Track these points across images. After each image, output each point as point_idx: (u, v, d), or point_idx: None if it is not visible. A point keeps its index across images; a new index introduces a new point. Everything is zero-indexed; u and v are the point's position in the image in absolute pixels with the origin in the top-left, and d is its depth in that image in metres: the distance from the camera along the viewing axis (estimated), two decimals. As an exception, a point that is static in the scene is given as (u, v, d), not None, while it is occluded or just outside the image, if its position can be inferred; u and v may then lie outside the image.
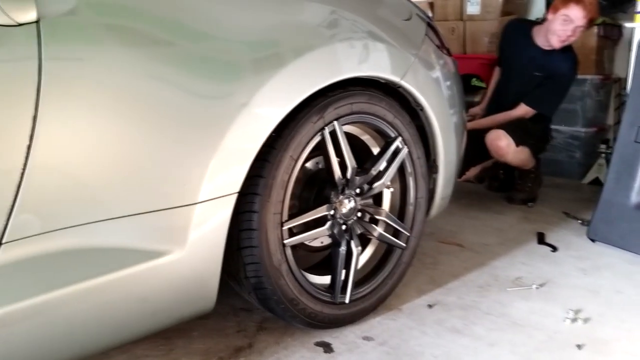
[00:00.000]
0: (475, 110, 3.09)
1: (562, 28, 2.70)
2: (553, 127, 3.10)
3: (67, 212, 1.00)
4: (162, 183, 1.11)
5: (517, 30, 2.96)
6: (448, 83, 1.75)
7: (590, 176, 3.46)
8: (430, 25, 1.76)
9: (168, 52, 1.10)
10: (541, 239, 2.38)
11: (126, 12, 1.06)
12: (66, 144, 0.98)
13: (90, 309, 1.07)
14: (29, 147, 0.93)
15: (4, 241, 0.93)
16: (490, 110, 3.02)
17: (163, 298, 1.17)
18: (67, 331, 1.06)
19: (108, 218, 1.04)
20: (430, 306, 1.75)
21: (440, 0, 3.91)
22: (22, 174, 0.93)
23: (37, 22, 0.93)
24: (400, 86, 1.56)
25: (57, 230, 0.99)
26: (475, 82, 3.49)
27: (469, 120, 2.78)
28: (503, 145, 2.68)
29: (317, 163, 1.57)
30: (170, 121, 1.10)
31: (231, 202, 1.20)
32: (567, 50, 2.81)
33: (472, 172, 2.96)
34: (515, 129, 2.72)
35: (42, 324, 1.01)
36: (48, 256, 0.99)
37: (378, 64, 1.47)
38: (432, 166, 1.75)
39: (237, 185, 1.20)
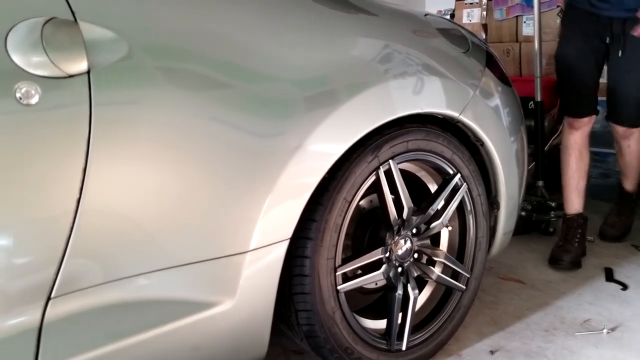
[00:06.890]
0: None
1: None
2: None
3: (120, 264, 0.97)
4: (215, 230, 1.08)
5: None
6: (507, 110, 1.65)
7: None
8: (489, 55, 1.68)
9: (221, 94, 1.07)
10: (609, 276, 2.21)
11: (179, 55, 1.03)
12: (116, 193, 0.96)
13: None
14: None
15: (52, 295, 0.91)
16: None
17: (214, 347, 1.14)
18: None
19: (159, 269, 1.01)
20: (492, 352, 1.64)
21: (495, 22, 3.80)
22: (72, 226, 0.91)
23: (87, 72, 0.91)
24: (459, 121, 1.48)
25: (108, 282, 0.96)
26: (532, 105, 3.33)
27: None
28: None
29: (370, 201, 1.51)
30: (224, 167, 1.07)
31: (283, 248, 1.15)
32: None
33: None
34: None
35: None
36: (102, 309, 0.97)
37: (436, 99, 1.40)
38: (492, 202, 1.65)
39: (289, 231, 1.16)
